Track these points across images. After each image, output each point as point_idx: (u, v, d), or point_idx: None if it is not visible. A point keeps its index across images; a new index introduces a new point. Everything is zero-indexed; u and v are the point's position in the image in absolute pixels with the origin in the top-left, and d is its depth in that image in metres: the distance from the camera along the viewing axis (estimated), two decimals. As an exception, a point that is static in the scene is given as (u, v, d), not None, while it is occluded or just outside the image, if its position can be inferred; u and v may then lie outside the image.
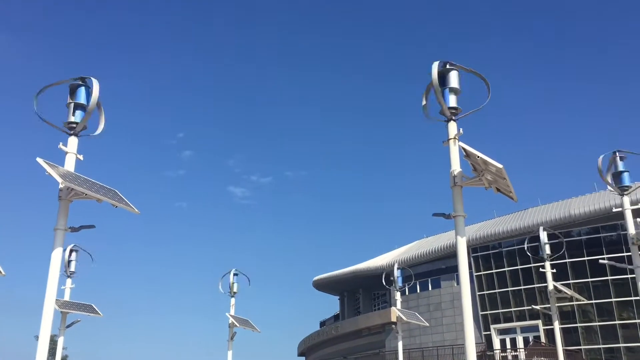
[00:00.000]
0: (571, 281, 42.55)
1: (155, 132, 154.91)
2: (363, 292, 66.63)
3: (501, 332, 47.07)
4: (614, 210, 12.89)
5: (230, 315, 17.95)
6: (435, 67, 8.79)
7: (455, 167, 8.70)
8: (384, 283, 26.20)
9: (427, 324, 22.53)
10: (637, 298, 10.66)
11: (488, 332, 47.06)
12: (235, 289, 18.32)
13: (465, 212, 8.75)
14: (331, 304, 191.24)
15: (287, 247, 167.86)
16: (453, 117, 8.79)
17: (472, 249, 48.64)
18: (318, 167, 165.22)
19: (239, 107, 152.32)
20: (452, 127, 8.85)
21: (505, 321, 46.89)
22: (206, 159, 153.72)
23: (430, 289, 51.87)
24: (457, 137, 8.72)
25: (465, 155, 8.77)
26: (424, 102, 9.34)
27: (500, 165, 8.14)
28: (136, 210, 8.95)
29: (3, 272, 11.09)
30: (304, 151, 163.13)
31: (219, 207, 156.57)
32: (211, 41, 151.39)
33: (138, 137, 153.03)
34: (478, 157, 8.32)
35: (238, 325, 17.82)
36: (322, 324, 76.14)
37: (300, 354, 74.72)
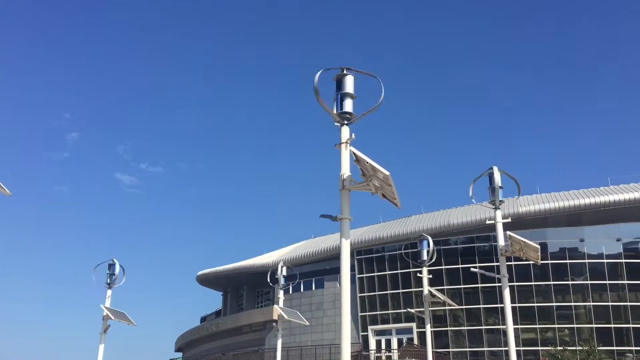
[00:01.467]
0: (445, 287, 44.89)
1: (39, 110, 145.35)
2: (247, 289, 66.40)
3: (378, 333, 48.72)
4: (487, 222, 13.75)
5: (105, 307, 17.18)
6: (317, 76, 8.84)
7: (345, 170, 8.85)
8: (269, 281, 26.19)
9: (308, 323, 22.82)
10: (502, 305, 11.47)
11: (365, 333, 48.55)
12: (111, 280, 17.53)
13: (351, 216, 8.92)
14: (214, 300, 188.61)
15: (172, 240, 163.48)
16: (346, 122, 8.94)
17: (357, 251, 49.97)
18: (212, 161, 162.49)
19: (132, 92, 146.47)
20: (345, 132, 8.99)
21: (383, 323, 48.58)
22: (94, 143, 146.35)
23: (313, 288, 52.66)
24: (348, 142, 8.88)
25: (356, 160, 8.96)
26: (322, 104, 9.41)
27: (387, 172, 8.38)
28: (7, 191, 8.34)
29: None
30: (199, 144, 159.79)
31: (104, 194, 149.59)
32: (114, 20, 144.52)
33: (18, 113, 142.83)
34: (367, 162, 8.52)
35: (113, 317, 17.09)
36: (203, 319, 74.98)
37: (177, 349, 73.10)
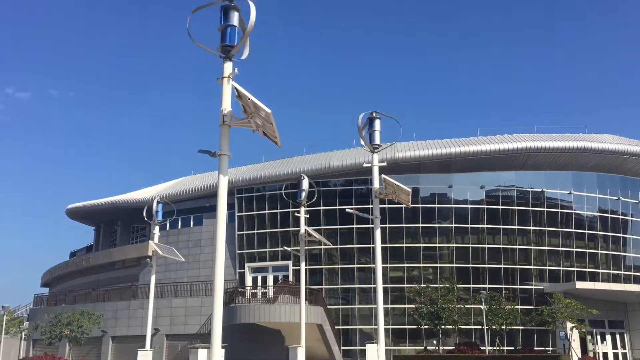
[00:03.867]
0: (322, 227, 46.27)
1: None
2: (122, 224, 64.27)
3: (254, 270, 49.53)
4: (365, 165, 14.16)
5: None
6: (189, 19, 8.46)
7: (226, 106, 8.63)
8: (145, 217, 25.44)
9: (183, 260, 22.66)
10: (374, 245, 12.07)
11: (242, 270, 49.16)
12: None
13: (232, 154, 8.77)
14: (86, 236, 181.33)
15: (38, 171, 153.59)
16: (229, 56, 8.65)
17: (237, 190, 49.85)
18: (86, 88, 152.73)
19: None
20: (228, 66, 8.72)
21: (260, 260, 49.39)
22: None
23: (192, 225, 52.10)
24: (231, 77, 8.63)
25: (237, 96, 8.75)
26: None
27: (268, 110, 8.28)
28: None
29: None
30: (72, 68, 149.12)
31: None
32: None
33: None
34: (249, 99, 8.36)
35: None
36: (73, 254, 72.00)
37: (44, 285, 69.92)
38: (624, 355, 48.00)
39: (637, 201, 51.28)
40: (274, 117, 8.54)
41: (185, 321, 44.42)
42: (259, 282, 48.64)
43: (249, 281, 48.62)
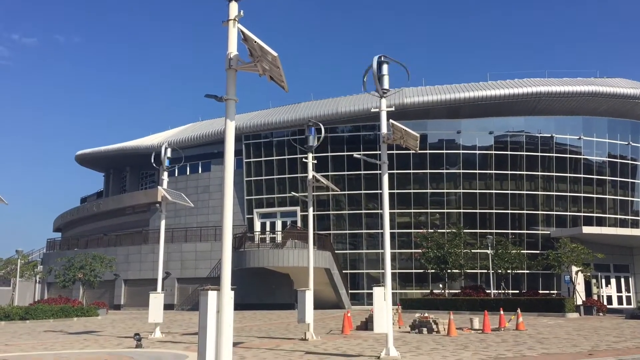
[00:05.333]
0: (330, 173, 46.40)
1: None
2: (131, 170, 64.74)
3: (263, 215, 50.02)
4: (373, 110, 14.03)
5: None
6: None
7: (232, 49, 8.49)
8: (153, 163, 25.51)
9: (192, 205, 22.85)
10: (381, 191, 12.09)
11: (251, 216, 49.67)
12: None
13: (239, 99, 8.70)
14: (96, 181, 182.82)
15: (46, 118, 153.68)
16: (235, -3, 8.45)
17: (245, 136, 49.81)
18: (93, 35, 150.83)
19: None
20: (233, 8, 8.54)
21: (268, 206, 49.80)
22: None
23: (200, 172, 52.38)
24: (237, 19, 8.46)
25: (243, 39, 8.59)
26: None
27: (275, 54, 8.15)
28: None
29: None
30: (79, 12, 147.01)
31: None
32: None
33: None
34: (255, 42, 8.21)
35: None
36: (84, 200, 72.86)
37: (56, 229, 71.12)
38: (628, 298, 48.69)
39: (647, 146, 50.93)
40: (280, 61, 8.41)
41: (195, 265, 45.28)
42: (268, 228, 49.21)
43: (257, 227, 49.19)
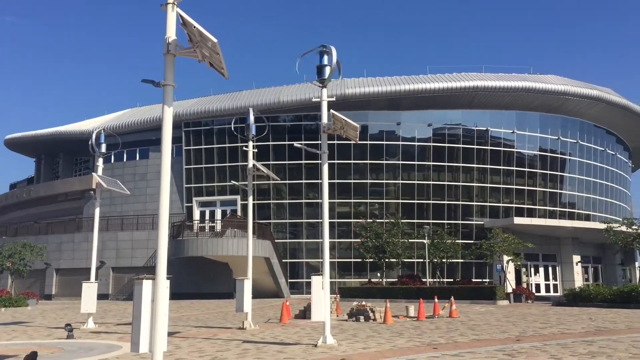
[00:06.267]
0: (271, 162, 46.27)
1: None
2: (64, 156, 62.47)
3: (202, 204, 49.41)
4: (314, 100, 14.07)
5: None
6: None
7: (171, 34, 8.30)
8: (89, 148, 24.68)
9: (128, 193, 22.28)
10: (321, 181, 12.15)
11: (190, 204, 48.97)
12: None
13: (178, 84, 8.54)
14: (27, 167, 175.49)
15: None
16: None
17: (185, 123, 48.99)
18: (30, 16, 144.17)
19: None
20: (171, -9, 8.33)
21: (208, 195, 49.23)
22: None
23: (137, 158, 51.17)
24: (175, 3, 8.27)
25: (182, 24, 8.42)
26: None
27: (215, 40, 8.05)
28: None
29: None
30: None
31: None
32: None
33: None
34: (194, 27, 8.07)
35: None
36: (13, 186, 69.86)
37: (-17, 217, 67.93)
38: (555, 286, 50.97)
39: (575, 141, 53.23)
40: (220, 47, 8.30)
41: (131, 254, 44.31)
42: (207, 217, 48.65)
43: (197, 215, 48.56)
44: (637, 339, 13.32)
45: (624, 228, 36.00)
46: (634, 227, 35.21)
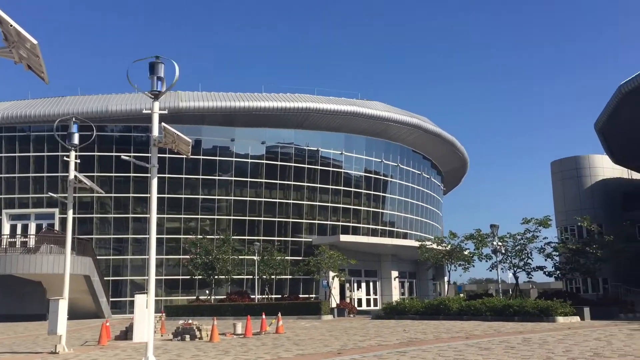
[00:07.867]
0: (96, 174, 43.67)
1: None
2: None
3: (14, 217, 45.07)
4: (144, 112, 13.58)
5: None
6: None
7: (-19, 31, 7.56)
8: None
9: None
10: (150, 195, 11.68)
11: (-1, 217, 44.40)
12: None
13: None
14: None
15: None
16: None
17: (-4, 127, 44.47)
18: None
19: None
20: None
21: (21, 207, 45.08)
22: None
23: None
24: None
25: (-3, 21, 7.71)
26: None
27: (35, 41, 7.48)
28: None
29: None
30: None
31: None
32: None
33: None
34: (11, 26, 7.43)
35: None
36: None
37: None
38: (375, 300, 54.08)
39: (396, 164, 57.30)
40: (40, 49, 7.73)
41: None
42: (19, 231, 44.40)
43: (6, 229, 44.12)
44: (443, 348, 14.61)
45: (435, 245, 39.20)
46: (443, 244, 38.49)
